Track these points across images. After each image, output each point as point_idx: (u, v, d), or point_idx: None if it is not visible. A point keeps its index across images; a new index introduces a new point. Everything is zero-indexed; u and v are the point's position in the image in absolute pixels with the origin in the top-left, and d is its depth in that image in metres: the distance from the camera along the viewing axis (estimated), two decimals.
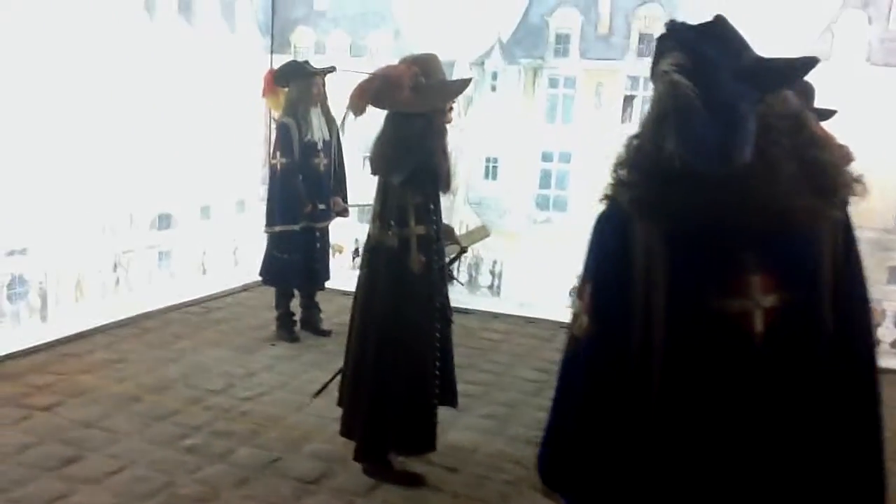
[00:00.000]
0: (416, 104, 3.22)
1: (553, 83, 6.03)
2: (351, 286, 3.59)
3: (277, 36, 6.77)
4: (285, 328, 5.56)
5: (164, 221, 6.01)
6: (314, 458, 3.80)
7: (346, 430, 3.57)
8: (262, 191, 6.92)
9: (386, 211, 3.29)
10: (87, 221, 5.35)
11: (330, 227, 5.60)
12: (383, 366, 3.29)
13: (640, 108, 5.85)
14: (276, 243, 5.34)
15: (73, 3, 5.01)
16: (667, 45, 1.65)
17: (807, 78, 1.70)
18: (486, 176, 6.36)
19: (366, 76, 3.30)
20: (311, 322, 5.69)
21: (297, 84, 5.19)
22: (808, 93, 3.84)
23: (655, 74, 1.60)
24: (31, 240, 4.98)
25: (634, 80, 5.82)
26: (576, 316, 1.81)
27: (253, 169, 6.89)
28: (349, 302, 6.24)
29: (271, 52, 6.79)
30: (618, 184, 1.68)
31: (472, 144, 6.30)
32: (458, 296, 6.44)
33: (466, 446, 3.99)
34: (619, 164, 1.70)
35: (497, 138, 6.27)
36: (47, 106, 4.92)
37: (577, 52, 5.92)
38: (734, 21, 1.64)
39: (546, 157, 6.16)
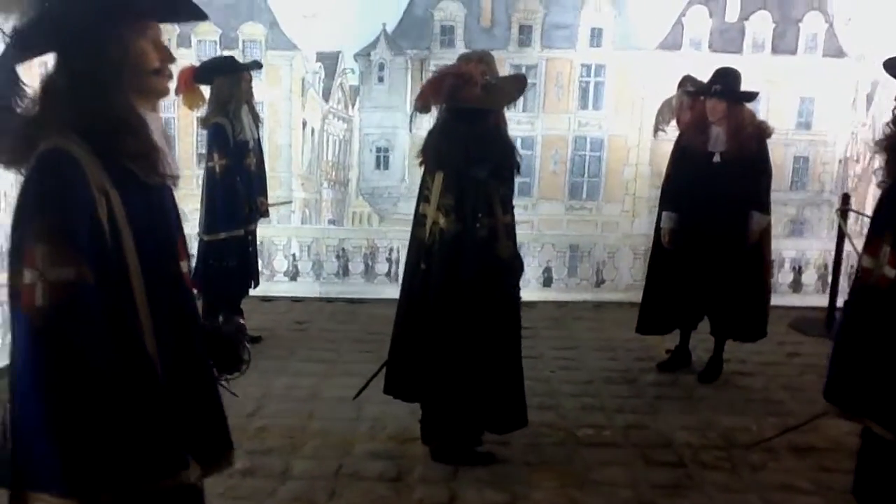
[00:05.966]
0: (489, 101, 3.36)
1: None
2: None
3: None
4: None
5: None
6: (376, 458, 3.79)
7: (428, 425, 3.64)
8: None
9: (465, 203, 3.39)
10: None
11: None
12: (478, 351, 3.41)
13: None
14: (215, 250, 4.97)
15: None
16: None
17: None
18: (378, 166, 6.46)
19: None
20: None
21: (225, 80, 4.84)
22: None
23: None
24: None
25: (517, 68, 6.30)
26: (869, 271, 2.25)
27: None
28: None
29: None
30: None
31: (362, 135, 6.36)
32: (355, 287, 6.55)
33: None
34: None
35: (386, 128, 6.39)
36: None
37: (462, 42, 6.24)
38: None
39: None
